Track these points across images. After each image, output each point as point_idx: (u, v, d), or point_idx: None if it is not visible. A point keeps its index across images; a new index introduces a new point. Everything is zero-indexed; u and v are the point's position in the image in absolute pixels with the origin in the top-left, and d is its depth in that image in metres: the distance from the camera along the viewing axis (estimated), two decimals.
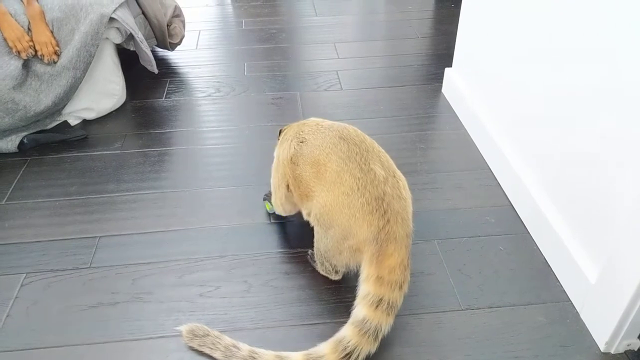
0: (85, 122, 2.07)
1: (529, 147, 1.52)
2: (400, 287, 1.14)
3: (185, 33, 2.54)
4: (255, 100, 2.21)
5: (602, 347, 1.20)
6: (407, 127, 1.99)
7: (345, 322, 1.15)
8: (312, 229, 1.32)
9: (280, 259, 1.46)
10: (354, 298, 1.17)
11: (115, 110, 2.14)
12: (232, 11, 3.11)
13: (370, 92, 2.24)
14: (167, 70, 2.44)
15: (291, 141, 1.33)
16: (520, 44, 1.52)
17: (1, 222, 1.59)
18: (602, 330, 1.19)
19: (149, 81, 2.34)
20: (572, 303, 1.31)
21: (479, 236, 1.50)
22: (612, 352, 1.19)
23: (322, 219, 1.23)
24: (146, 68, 2.22)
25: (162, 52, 2.59)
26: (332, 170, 1.20)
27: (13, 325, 1.29)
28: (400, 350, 1.21)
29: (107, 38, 2.00)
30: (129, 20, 1.98)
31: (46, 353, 1.23)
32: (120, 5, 1.95)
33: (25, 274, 1.42)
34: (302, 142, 1.30)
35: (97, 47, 1.90)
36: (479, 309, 1.30)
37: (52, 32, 1.85)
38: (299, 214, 1.43)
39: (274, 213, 1.54)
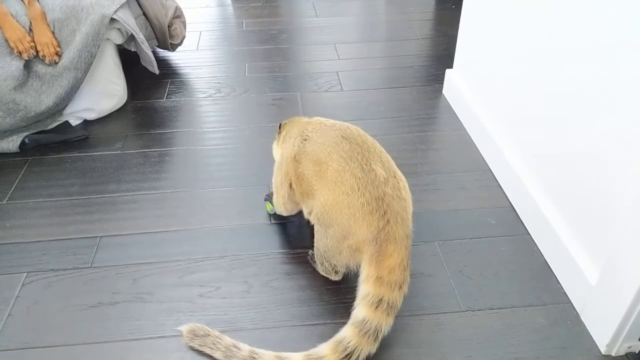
0: (86, 123, 2.07)
1: (530, 147, 1.52)
2: (400, 288, 1.14)
3: (186, 34, 2.55)
4: (255, 101, 2.21)
5: (602, 349, 1.19)
6: (408, 128, 2.00)
7: (345, 323, 1.15)
8: (312, 230, 1.32)
9: (281, 260, 1.46)
10: (354, 299, 1.17)
11: (116, 111, 2.14)
12: (232, 12, 3.11)
13: (371, 93, 2.24)
14: (168, 71, 2.44)
15: (295, 139, 1.34)
16: (521, 45, 1.53)
17: (2, 222, 1.60)
18: (603, 332, 1.19)
19: (149, 82, 2.34)
20: (572, 305, 1.31)
21: (480, 237, 1.50)
22: (613, 354, 1.19)
23: (323, 218, 1.23)
24: (147, 69, 2.22)
25: (163, 52, 2.60)
26: (334, 169, 1.21)
27: (14, 324, 1.29)
28: (400, 351, 1.21)
29: (108, 39, 2.00)
30: (130, 21, 1.99)
31: (47, 352, 1.23)
32: (122, 6, 1.95)
33: (26, 274, 1.42)
34: (305, 140, 1.30)
35: (98, 48, 1.90)
36: (480, 310, 1.30)
37: (53, 32, 1.85)
38: (300, 215, 1.43)
39: (275, 213, 1.54)
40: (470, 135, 1.93)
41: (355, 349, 1.11)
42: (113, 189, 1.72)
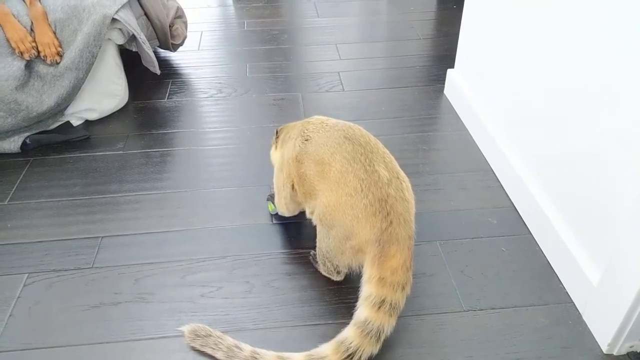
0: (87, 123, 2.08)
1: (530, 147, 1.52)
2: (403, 289, 1.14)
3: (188, 34, 2.55)
4: (257, 101, 2.21)
5: (604, 349, 1.19)
6: (409, 128, 2.00)
7: (347, 323, 1.15)
8: (314, 230, 1.32)
9: (282, 260, 1.46)
10: (355, 299, 1.17)
11: (117, 111, 2.14)
12: (234, 12, 3.11)
13: (372, 93, 2.24)
14: (169, 71, 2.44)
15: (295, 140, 1.33)
16: (522, 45, 1.52)
17: (4, 223, 1.60)
18: (605, 332, 1.19)
19: (151, 82, 2.35)
20: (574, 304, 1.31)
21: (481, 237, 1.50)
22: (615, 353, 1.19)
23: (325, 219, 1.23)
24: (148, 69, 2.22)
25: (164, 53, 2.60)
26: (337, 170, 1.21)
27: (15, 325, 1.29)
28: (402, 351, 1.21)
29: (109, 39, 2.00)
30: (131, 21, 1.99)
31: (48, 353, 1.23)
32: (123, 7, 1.95)
33: (27, 274, 1.43)
34: (306, 140, 1.30)
35: (99, 48, 1.90)
36: (481, 310, 1.30)
37: (54, 33, 1.85)
38: (302, 215, 1.43)
39: (277, 214, 1.54)
40: (472, 135, 1.93)
41: (357, 349, 1.11)
42: (115, 189, 1.72)
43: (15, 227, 1.58)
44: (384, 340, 1.14)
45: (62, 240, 1.53)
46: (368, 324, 1.11)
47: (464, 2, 1.96)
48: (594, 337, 1.23)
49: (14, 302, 1.35)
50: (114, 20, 1.92)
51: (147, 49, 2.08)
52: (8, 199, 1.69)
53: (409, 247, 1.16)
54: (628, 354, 1.19)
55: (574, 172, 1.30)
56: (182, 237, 1.53)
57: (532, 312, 1.29)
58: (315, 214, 1.28)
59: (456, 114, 2.06)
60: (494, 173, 1.74)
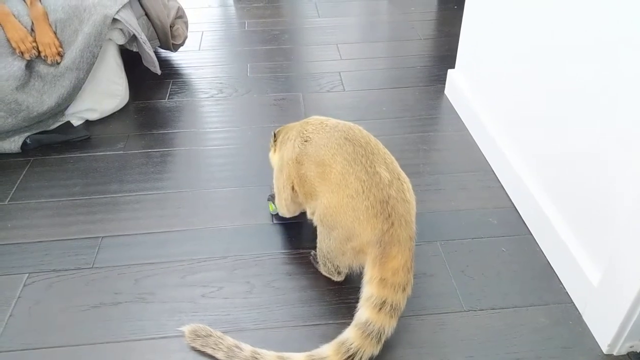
0: (88, 123, 2.08)
1: (530, 147, 1.52)
2: (404, 289, 1.14)
3: (188, 34, 2.55)
4: (257, 101, 2.21)
5: (604, 349, 1.19)
6: (410, 128, 2.00)
7: (347, 323, 1.15)
8: (314, 230, 1.32)
9: (283, 260, 1.46)
10: (356, 299, 1.17)
11: (118, 111, 2.14)
12: (234, 12, 3.11)
13: (373, 93, 2.24)
14: (170, 71, 2.45)
15: (294, 140, 1.33)
16: (523, 45, 1.52)
17: (4, 223, 1.60)
18: (605, 332, 1.19)
19: (151, 82, 2.35)
20: (574, 304, 1.31)
21: (482, 237, 1.50)
22: (615, 353, 1.19)
23: (326, 220, 1.23)
24: (149, 69, 2.22)
25: (165, 53, 2.60)
26: (337, 171, 1.20)
27: (15, 325, 1.29)
28: (402, 351, 1.21)
29: (110, 39, 2.00)
30: (132, 22, 1.99)
31: (48, 353, 1.23)
32: (124, 7, 1.95)
33: (27, 274, 1.43)
34: (306, 141, 1.30)
35: (100, 48, 1.90)
36: (481, 310, 1.30)
37: (55, 33, 1.85)
38: (302, 215, 1.43)
39: (277, 214, 1.54)
40: (472, 135, 1.93)
41: (358, 350, 1.11)
42: (115, 189, 1.72)
43: (16, 227, 1.58)
44: (385, 341, 1.14)
45: (62, 240, 1.53)
46: (369, 325, 1.11)
47: (465, 2, 1.96)
48: (594, 337, 1.23)
49: (14, 302, 1.35)
50: (114, 20, 1.92)
51: (147, 49, 2.08)
52: (8, 198, 1.69)
53: (410, 248, 1.16)
54: (628, 354, 1.19)
55: (574, 172, 1.30)
56: (182, 237, 1.53)
57: (533, 312, 1.29)
58: (316, 215, 1.28)
59: (457, 114, 2.06)
60: (494, 173, 1.74)
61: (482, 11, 1.81)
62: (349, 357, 1.10)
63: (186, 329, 1.22)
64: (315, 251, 1.35)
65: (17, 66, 1.79)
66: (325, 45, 2.67)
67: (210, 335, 1.19)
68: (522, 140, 1.58)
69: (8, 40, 1.78)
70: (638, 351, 1.19)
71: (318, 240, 1.31)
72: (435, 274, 1.40)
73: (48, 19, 1.84)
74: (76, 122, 2.05)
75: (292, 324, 1.28)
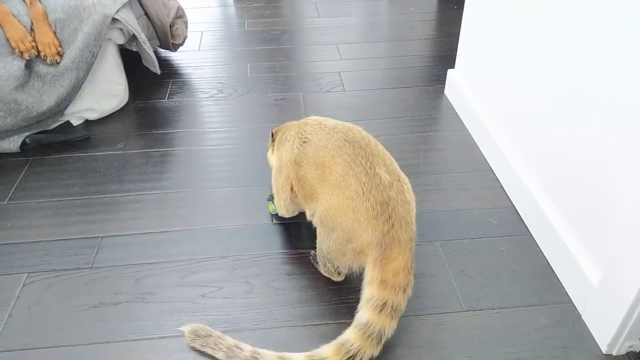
0: (87, 123, 2.08)
1: (530, 147, 1.52)
2: (404, 291, 1.14)
3: (188, 34, 2.55)
4: (257, 101, 2.21)
5: (604, 349, 1.19)
6: (410, 128, 1.99)
7: (347, 323, 1.15)
8: (314, 230, 1.32)
9: (283, 260, 1.46)
10: (356, 299, 1.17)
11: (117, 111, 2.14)
12: (234, 12, 3.11)
13: (373, 93, 2.24)
14: (169, 71, 2.44)
15: (293, 142, 1.32)
16: (523, 45, 1.52)
17: (3, 222, 1.60)
18: (604, 332, 1.19)
19: (151, 82, 2.35)
20: (574, 305, 1.30)
21: (482, 238, 1.50)
22: (614, 353, 1.19)
23: (326, 222, 1.23)
24: (149, 69, 2.22)
25: (164, 53, 2.60)
26: (337, 173, 1.20)
27: (15, 325, 1.29)
28: (402, 351, 1.21)
29: (109, 39, 2.00)
30: (131, 21, 1.99)
31: (48, 353, 1.23)
32: (123, 6, 1.95)
33: (27, 274, 1.43)
34: (305, 142, 1.29)
35: (99, 48, 1.90)
36: (481, 310, 1.30)
37: (54, 32, 1.85)
38: (302, 215, 1.43)
39: (277, 214, 1.54)
40: (472, 135, 1.93)
41: (359, 351, 1.10)
42: (115, 189, 1.72)
43: (15, 227, 1.58)
44: (385, 341, 1.14)
45: (61, 240, 1.53)
46: (369, 327, 1.11)
47: (465, 2, 1.96)
48: (593, 337, 1.23)
49: (14, 302, 1.35)
50: (114, 20, 1.92)
51: (147, 48, 2.08)
52: (8, 198, 1.69)
53: (410, 249, 1.16)
54: (627, 354, 1.19)
55: (574, 172, 1.30)
56: (182, 237, 1.53)
57: (532, 312, 1.29)
58: (315, 216, 1.28)
59: (456, 114, 2.06)
60: (494, 173, 1.74)
61: (482, 11, 1.81)
62: (349, 358, 1.10)
63: (186, 329, 1.22)
64: (315, 251, 1.35)
65: (16, 66, 1.79)
66: (325, 45, 2.67)
67: (210, 335, 1.19)
68: (522, 140, 1.58)
69: (7, 40, 1.78)
70: (637, 351, 1.19)
71: (318, 241, 1.31)
72: (435, 274, 1.40)
73: (47, 19, 1.84)
74: (76, 122, 2.05)
75: (292, 324, 1.28)
